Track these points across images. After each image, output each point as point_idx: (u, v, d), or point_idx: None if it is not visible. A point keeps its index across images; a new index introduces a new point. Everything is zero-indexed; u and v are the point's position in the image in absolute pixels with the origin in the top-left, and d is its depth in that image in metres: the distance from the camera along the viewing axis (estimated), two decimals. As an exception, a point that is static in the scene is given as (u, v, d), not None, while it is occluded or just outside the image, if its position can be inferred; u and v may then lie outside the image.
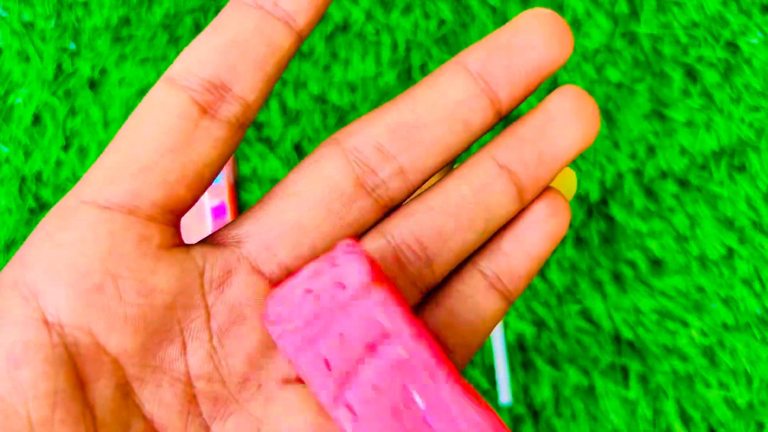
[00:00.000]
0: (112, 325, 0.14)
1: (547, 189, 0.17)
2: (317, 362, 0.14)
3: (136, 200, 0.14)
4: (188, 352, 0.15)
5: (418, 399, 0.13)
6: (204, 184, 0.15)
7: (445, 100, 0.16)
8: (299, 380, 0.15)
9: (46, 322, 0.13)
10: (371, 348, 0.14)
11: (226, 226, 0.16)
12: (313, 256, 0.16)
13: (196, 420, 0.15)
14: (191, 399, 0.15)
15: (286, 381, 0.15)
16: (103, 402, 0.14)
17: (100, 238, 0.14)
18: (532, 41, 0.15)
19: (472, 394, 0.14)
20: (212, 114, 0.15)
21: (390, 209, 0.17)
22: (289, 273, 0.16)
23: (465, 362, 0.17)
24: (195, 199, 0.15)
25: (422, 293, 0.17)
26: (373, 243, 0.16)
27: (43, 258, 0.14)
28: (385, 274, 0.15)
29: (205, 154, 0.15)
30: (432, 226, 0.16)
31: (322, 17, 0.17)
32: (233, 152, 0.16)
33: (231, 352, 0.15)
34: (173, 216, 0.15)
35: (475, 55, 0.16)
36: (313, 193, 0.16)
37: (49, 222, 0.14)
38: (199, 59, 0.15)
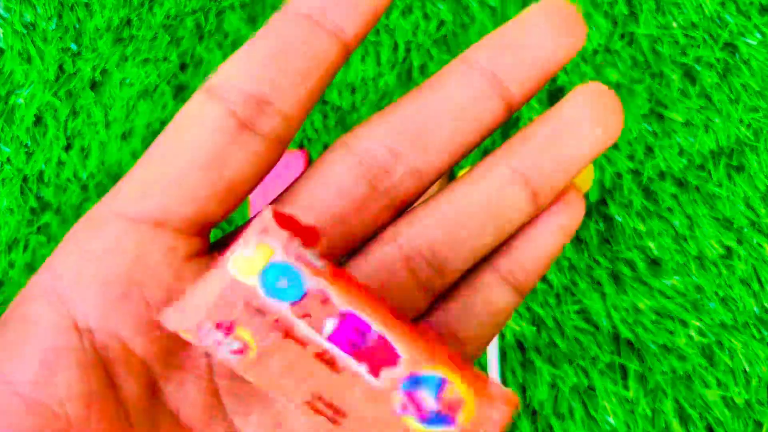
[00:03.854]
0: (138, 329, 0.14)
1: None
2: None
3: (165, 215, 0.14)
4: None
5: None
6: (238, 199, 0.15)
7: (456, 98, 0.15)
8: None
9: (77, 328, 0.14)
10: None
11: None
12: None
13: (220, 415, 0.15)
14: (214, 395, 0.15)
15: None
16: (133, 400, 0.14)
17: (128, 249, 0.14)
18: (543, 33, 0.15)
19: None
20: (251, 128, 0.15)
21: (402, 210, 0.16)
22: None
23: (477, 354, 0.17)
24: (227, 214, 0.15)
25: (432, 298, 0.17)
26: (384, 249, 0.16)
27: (73, 267, 0.14)
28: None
29: (240, 170, 0.15)
30: (444, 233, 0.16)
31: (372, 28, 0.17)
32: (272, 168, 0.16)
33: None
34: (202, 228, 0.15)
35: (485, 51, 0.15)
36: (326, 200, 0.16)
37: (79, 231, 0.14)
38: (241, 70, 0.15)
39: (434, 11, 0.40)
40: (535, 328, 0.37)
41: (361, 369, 0.15)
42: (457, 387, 0.15)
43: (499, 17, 0.39)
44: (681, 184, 0.38)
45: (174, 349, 0.15)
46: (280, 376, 0.15)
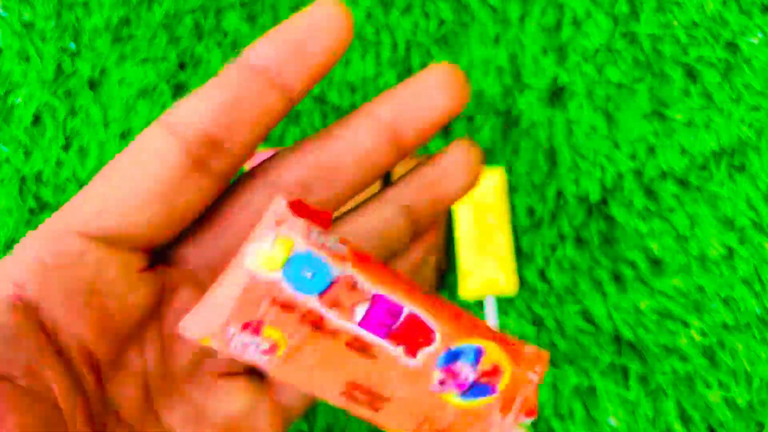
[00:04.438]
0: (100, 334, 0.16)
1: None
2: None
3: (122, 235, 0.16)
4: (145, 354, 0.17)
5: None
6: (186, 225, 0.17)
7: (361, 146, 0.18)
8: (235, 374, 0.18)
9: (44, 330, 0.16)
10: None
11: (175, 244, 0.19)
12: None
13: (150, 409, 0.18)
14: (147, 391, 0.17)
15: (223, 375, 0.18)
16: (91, 392, 0.16)
17: (89, 263, 0.16)
18: (435, 93, 0.18)
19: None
20: (202, 167, 0.17)
21: None
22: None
23: None
24: (176, 236, 0.17)
25: None
26: None
27: (36, 278, 0.16)
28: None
29: (190, 203, 0.17)
30: None
31: (312, 88, 0.20)
32: (215, 198, 0.18)
33: (178, 353, 0.18)
34: (154, 246, 0.17)
35: (387, 106, 0.18)
36: (246, 223, 0.18)
37: (38, 244, 0.16)
38: (198, 112, 0.17)
39: (434, 10, 0.40)
40: (535, 329, 0.37)
41: (398, 351, 0.15)
42: (494, 355, 0.15)
43: (499, 16, 0.39)
44: (682, 183, 0.38)
45: (121, 351, 0.17)
46: (313, 371, 0.14)
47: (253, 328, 0.14)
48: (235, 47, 0.40)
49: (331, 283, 0.14)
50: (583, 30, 0.39)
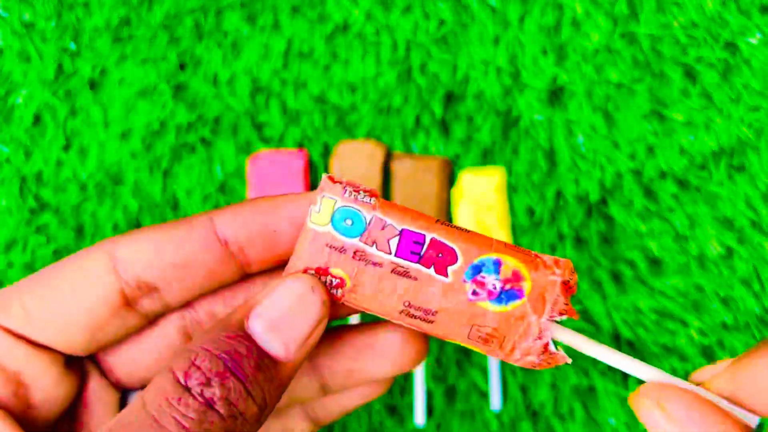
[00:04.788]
0: (27, 416, 0.18)
1: None
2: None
3: (45, 343, 0.18)
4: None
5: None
6: (106, 346, 0.19)
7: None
8: None
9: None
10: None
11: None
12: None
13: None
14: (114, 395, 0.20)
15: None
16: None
17: (18, 357, 0.18)
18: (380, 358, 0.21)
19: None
20: (132, 306, 0.18)
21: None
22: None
23: None
24: (97, 351, 0.19)
25: None
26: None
27: None
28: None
29: (112, 335, 0.18)
30: None
31: (276, 263, 0.20)
32: (139, 330, 0.20)
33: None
34: (74, 355, 0.19)
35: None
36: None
37: None
38: (148, 261, 0.18)
39: (434, 10, 0.40)
40: (535, 329, 0.37)
41: (431, 272, 0.18)
42: (513, 264, 0.19)
43: (499, 16, 0.39)
44: (682, 183, 0.38)
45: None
46: (374, 296, 0.19)
47: (323, 270, 0.18)
48: (235, 47, 0.40)
49: (367, 226, 0.18)
50: (583, 30, 0.39)
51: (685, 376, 0.19)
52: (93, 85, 0.40)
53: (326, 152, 0.39)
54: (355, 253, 0.18)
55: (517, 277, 0.18)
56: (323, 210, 0.18)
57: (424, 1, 0.40)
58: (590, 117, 0.38)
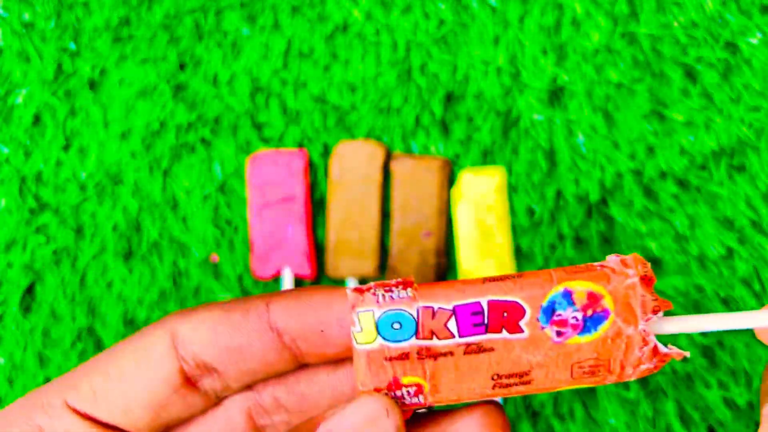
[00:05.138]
0: None
1: None
2: None
3: (109, 422, 0.18)
4: None
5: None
6: (171, 426, 0.19)
7: None
8: None
9: None
10: None
11: None
12: None
13: None
14: None
15: None
16: None
17: None
18: None
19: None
20: (194, 385, 0.18)
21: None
22: None
23: None
24: (163, 431, 0.19)
25: None
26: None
27: None
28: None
29: (175, 415, 0.18)
30: None
31: (330, 360, 0.20)
32: (202, 409, 0.20)
33: None
34: None
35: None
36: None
37: (29, 413, 0.18)
38: (206, 344, 0.18)
39: (434, 10, 0.40)
40: (535, 329, 0.37)
41: (505, 335, 0.17)
42: (584, 287, 0.17)
43: (499, 16, 0.39)
44: (682, 184, 0.38)
45: None
46: (459, 386, 0.17)
47: (394, 385, 0.17)
48: (235, 47, 0.40)
49: (417, 322, 0.17)
50: (583, 30, 0.39)
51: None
52: (93, 85, 0.40)
53: (326, 152, 0.39)
54: (419, 353, 0.17)
55: (593, 298, 0.17)
56: (365, 327, 0.17)
57: (424, 1, 0.40)
58: (590, 117, 0.38)
